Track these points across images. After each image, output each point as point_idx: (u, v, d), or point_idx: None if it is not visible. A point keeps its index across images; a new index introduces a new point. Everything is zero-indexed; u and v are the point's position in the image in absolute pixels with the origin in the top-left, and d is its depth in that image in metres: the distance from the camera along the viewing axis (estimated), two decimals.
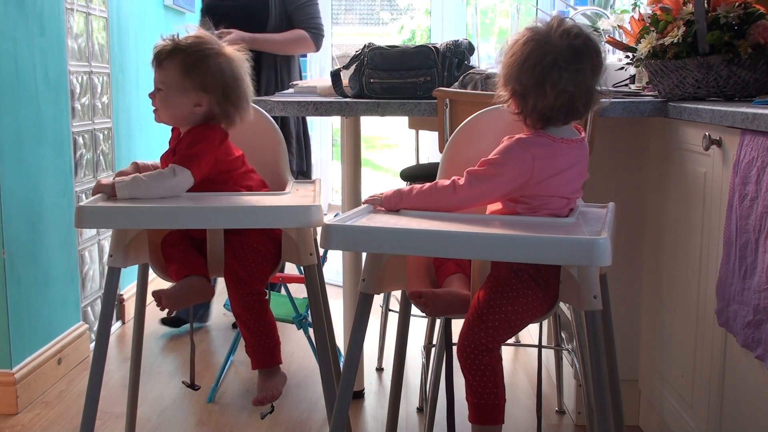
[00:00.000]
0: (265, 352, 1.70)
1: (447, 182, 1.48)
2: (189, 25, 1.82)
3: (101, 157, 3.02)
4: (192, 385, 1.88)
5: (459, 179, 1.47)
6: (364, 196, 2.38)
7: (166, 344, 2.96)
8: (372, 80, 2.19)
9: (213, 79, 1.73)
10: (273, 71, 3.05)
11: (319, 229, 1.48)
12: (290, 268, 2.03)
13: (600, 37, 3.20)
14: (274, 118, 2.01)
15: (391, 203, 1.50)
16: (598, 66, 1.48)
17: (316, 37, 3.04)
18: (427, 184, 1.50)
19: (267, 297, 1.72)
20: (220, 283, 1.80)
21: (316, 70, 5.54)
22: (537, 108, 1.48)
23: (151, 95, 1.75)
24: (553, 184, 1.47)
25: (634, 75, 2.43)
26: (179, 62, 1.72)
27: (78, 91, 2.82)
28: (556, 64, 1.44)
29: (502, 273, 1.47)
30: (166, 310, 1.64)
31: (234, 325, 1.95)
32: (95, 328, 2.89)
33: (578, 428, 2.28)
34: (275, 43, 2.98)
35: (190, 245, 1.73)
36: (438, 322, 1.76)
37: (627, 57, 2.20)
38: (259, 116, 1.97)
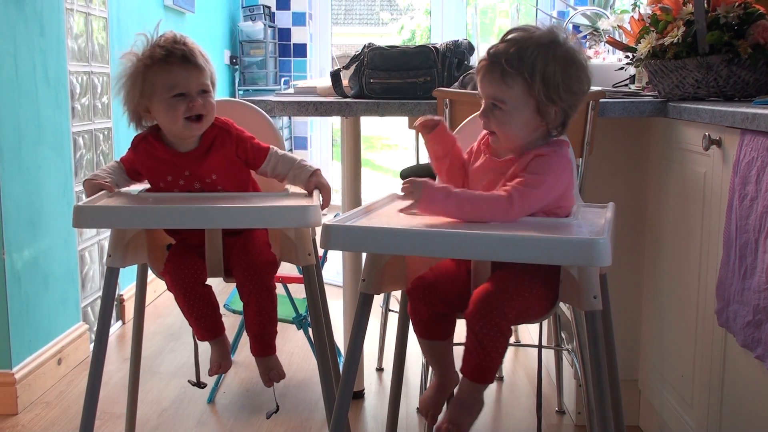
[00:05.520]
0: (270, 339, 1.74)
1: (502, 195, 1.40)
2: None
3: (101, 157, 3.02)
4: (198, 383, 1.88)
5: (512, 193, 1.40)
6: (364, 197, 2.39)
7: (166, 344, 2.96)
8: (372, 80, 2.19)
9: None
10: None
11: (318, 230, 1.48)
12: (290, 269, 2.03)
13: (600, 37, 3.21)
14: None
15: (435, 197, 1.40)
16: None
17: None
18: (479, 193, 1.43)
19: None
20: (220, 283, 1.80)
21: (316, 71, 5.54)
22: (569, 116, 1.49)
23: (197, 101, 1.67)
24: (568, 195, 1.49)
25: (634, 75, 2.43)
26: (203, 60, 1.71)
27: (78, 91, 2.82)
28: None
29: (508, 270, 1.46)
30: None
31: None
32: (95, 329, 2.89)
33: (578, 428, 2.27)
34: None
35: (196, 259, 1.72)
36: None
37: (627, 57, 2.20)
38: (258, 117, 1.97)
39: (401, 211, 1.46)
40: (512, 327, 1.44)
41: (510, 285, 1.41)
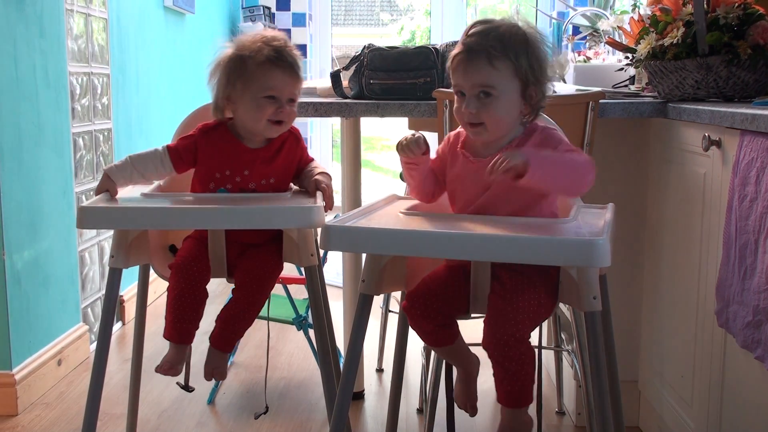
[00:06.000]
0: (233, 338, 1.73)
1: (586, 158, 1.46)
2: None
3: (101, 158, 3.02)
4: (186, 387, 1.88)
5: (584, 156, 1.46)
6: (364, 197, 2.39)
7: (166, 345, 2.95)
8: (372, 81, 2.19)
9: None
10: None
11: (319, 230, 1.48)
12: (290, 269, 2.04)
13: (600, 38, 3.21)
14: None
15: (539, 157, 1.38)
16: None
17: None
18: (567, 156, 1.45)
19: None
20: (221, 283, 1.80)
21: (316, 71, 5.54)
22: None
23: (285, 109, 1.70)
24: None
25: (634, 76, 2.43)
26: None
27: (78, 92, 2.82)
28: None
29: (504, 278, 1.45)
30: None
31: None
32: (95, 329, 2.89)
33: (578, 429, 2.28)
34: None
35: (206, 261, 1.72)
36: None
37: (627, 58, 2.20)
38: None
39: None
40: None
41: (512, 299, 1.40)
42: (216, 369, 1.73)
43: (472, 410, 1.57)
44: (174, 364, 1.71)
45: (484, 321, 1.41)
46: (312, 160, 1.83)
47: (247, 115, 1.71)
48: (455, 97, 1.50)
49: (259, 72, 1.68)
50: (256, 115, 1.70)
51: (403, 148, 1.51)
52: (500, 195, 1.48)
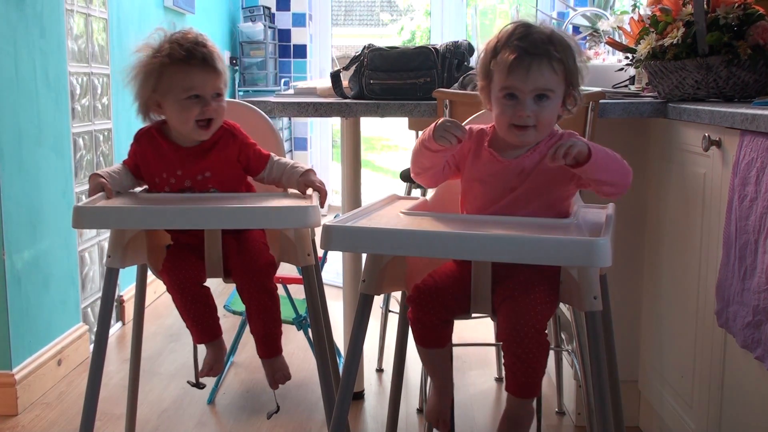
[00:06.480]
0: (274, 340, 1.73)
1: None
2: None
3: (101, 158, 3.02)
4: (197, 384, 1.87)
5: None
6: (364, 198, 2.39)
7: (166, 345, 2.96)
8: (372, 81, 2.19)
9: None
10: None
11: (318, 230, 1.48)
12: (290, 269, 2.04)
13: (600, 38, 3.21)
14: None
15: (596, 145, 1.43)
16: None
17: None
18: (615, 153, 1.48)
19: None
20: (220, 284, 1.80)
21: (316, 71, 5.55)
22: None
23: (211, 105, 1.67)
24: None
25: (634, 76, 2.43)
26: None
27: (78, 92, 2.82)
28: None
29: (510, 276, 1.45)
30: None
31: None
32: (95, 329, 2.89)
33: (578, 429, 2.28)
34: None
35: (195, 260, 1.71)
36: None
37: (627, 58, 2.20)
38: (258, 118, 1.97)
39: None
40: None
41: (525, 292, 1.40)
42: (276, 374, 1.74)
43: (444, 427, 1.55)
44: (212, 364, 1.73)
45: (500, 316, 1.41)
46: (269, 155, 1.78)
47: (175, 118, 1.70)
48: (498, 99, 1.47)
49: (173, 74, 1.66)
50: (185, 117, 1.68)
51: (443, 135, 1.44)
52: (525, 195, 1.49)
